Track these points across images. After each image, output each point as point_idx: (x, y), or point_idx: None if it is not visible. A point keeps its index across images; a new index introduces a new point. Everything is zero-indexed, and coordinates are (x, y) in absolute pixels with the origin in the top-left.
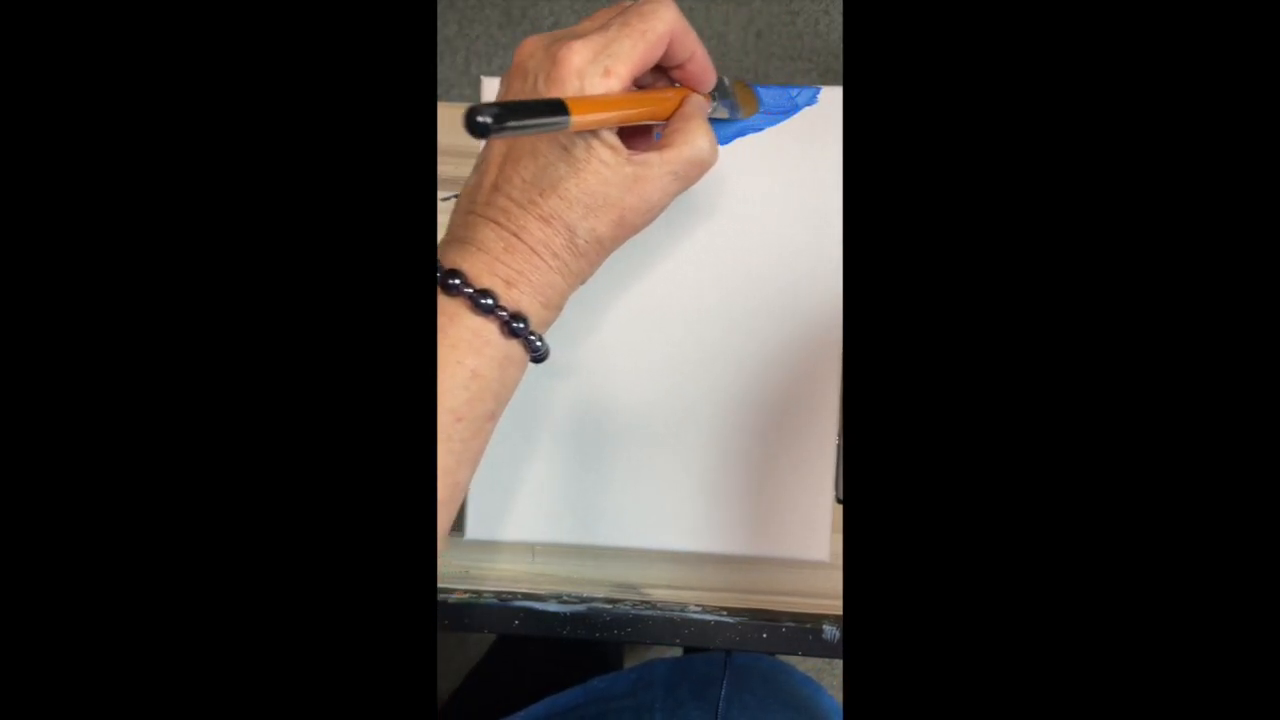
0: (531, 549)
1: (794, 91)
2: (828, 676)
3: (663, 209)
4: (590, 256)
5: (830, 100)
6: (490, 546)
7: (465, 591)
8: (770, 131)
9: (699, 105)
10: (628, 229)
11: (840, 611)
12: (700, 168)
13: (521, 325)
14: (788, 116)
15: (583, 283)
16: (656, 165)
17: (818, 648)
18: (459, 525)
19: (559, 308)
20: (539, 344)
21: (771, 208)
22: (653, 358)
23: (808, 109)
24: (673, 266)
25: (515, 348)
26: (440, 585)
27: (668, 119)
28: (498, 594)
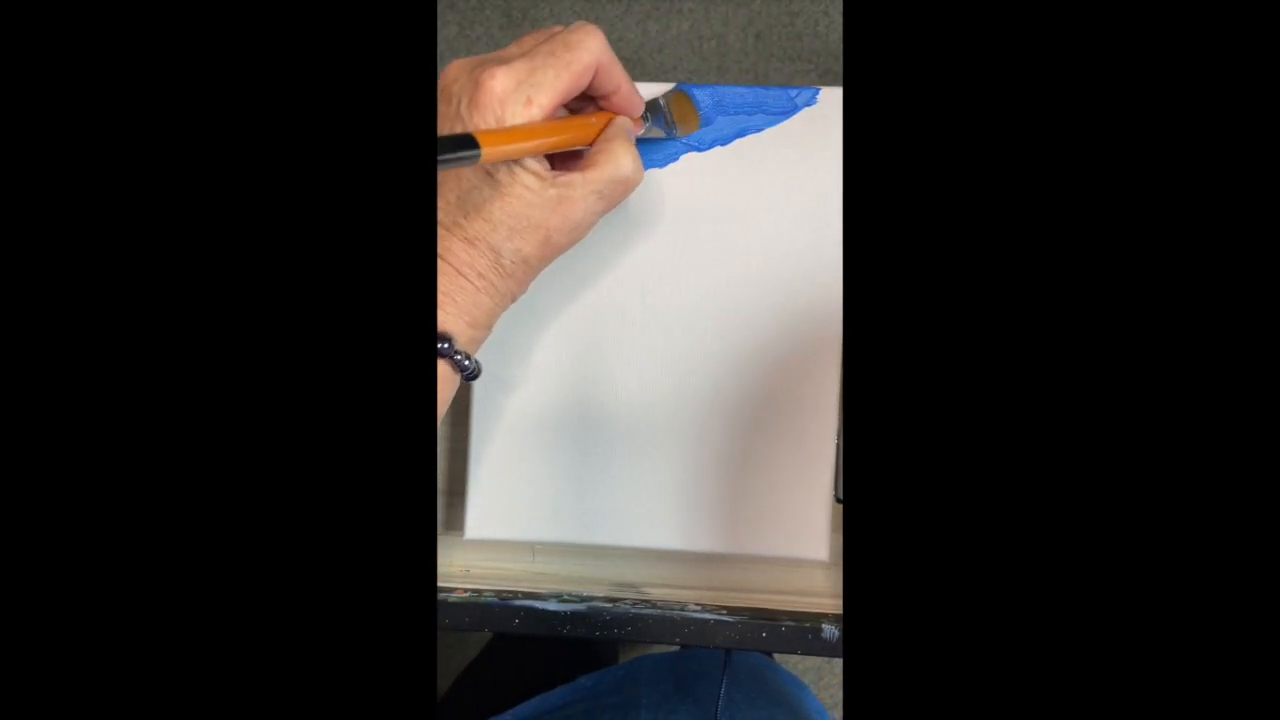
0: (532, 548)
1: (793, 92)
2: (827, 675)
3: (589, 227)
4: (518, 276)
5: (829, 101)
6: (490, 546)
7: (465, 591)
8: (769, 132)
9: (623, 127)
10: (554, 248)
11: (839, 610)
12: (624, 186)
13: (446, 345)
14: (787, 117)
15: (514, 301)
16: (580, 186)
17: (817, 647)
18: (459, 525)
19: (488, 327)
20: (467, 362)
21: (771, 208)
22: (653, 358)
23: (807, 110)
24: (673, 267)
25: (441, 366)
26: (440, 585)
27: (593, 142)
28: (498, 593)
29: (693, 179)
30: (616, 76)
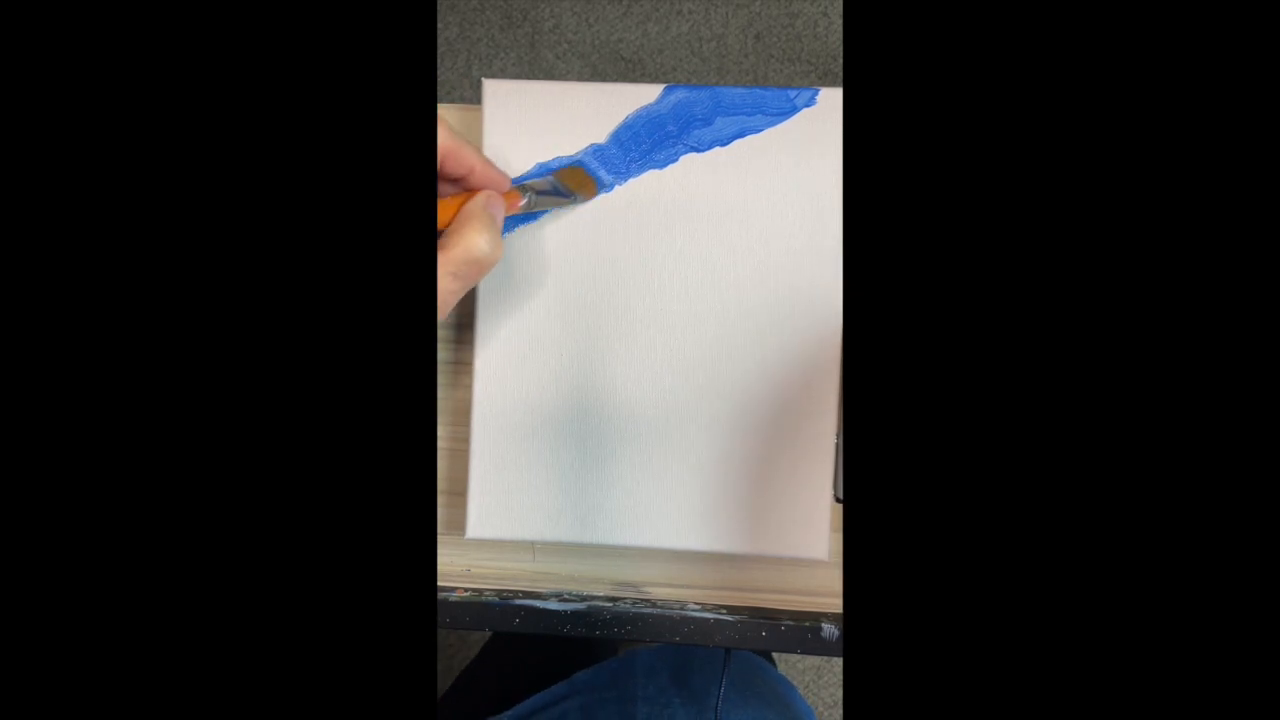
0: (532, 547)
1: (793, 93)
2: (826, 675)
3: (449, 308)
4: None
5: (829, 102)
6: (491, 545)
7: (466, 590)
8: (770, 133)
9: (479, 206)
10: None
11: (839, 609)
12: (478, 266)
13: None
14: (786, 118)
15: None
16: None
17: (816, 646)
18: (459, 525)
19: None
20: None
21: (771, 208)
22: (653, 358)
23: (806, 110)
24: (673, 267)
25: None
26: (441, 584)
27: (448, 224)
28: (498, 592)
29: (693, 179)
30: (468, 158)
